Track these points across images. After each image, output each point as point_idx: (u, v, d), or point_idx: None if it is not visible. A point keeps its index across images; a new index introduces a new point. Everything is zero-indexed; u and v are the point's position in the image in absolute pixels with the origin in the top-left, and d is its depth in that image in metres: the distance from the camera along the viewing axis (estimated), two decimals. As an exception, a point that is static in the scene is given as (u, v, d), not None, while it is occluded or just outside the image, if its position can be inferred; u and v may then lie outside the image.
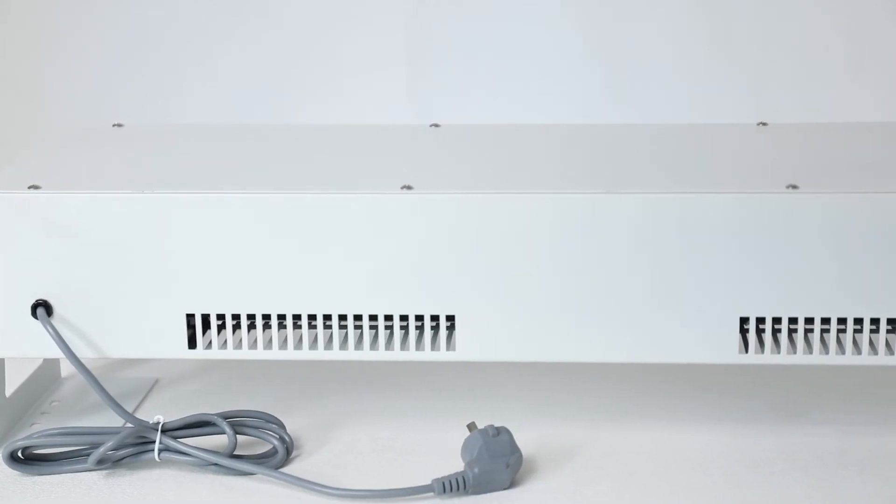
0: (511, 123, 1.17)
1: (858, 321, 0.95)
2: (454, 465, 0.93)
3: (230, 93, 1.74)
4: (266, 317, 0.98)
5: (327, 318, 0.98)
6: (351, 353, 0.99)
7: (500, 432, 0.93)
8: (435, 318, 0.98)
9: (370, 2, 1.73)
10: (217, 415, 0.97)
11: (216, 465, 0.95)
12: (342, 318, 0.98)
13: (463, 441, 0.94)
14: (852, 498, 0.91)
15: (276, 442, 0.97)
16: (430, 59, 1.74)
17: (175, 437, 0.96)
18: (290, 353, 0.99)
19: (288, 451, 0.97)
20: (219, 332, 0.99)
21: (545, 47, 1.72)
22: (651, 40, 1.70)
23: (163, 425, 0.96)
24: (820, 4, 1.68)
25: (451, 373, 1.11)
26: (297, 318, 0.98)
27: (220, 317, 0.99)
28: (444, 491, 0.91)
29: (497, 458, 0.92)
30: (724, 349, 0.96)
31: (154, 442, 0.96)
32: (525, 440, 0.95)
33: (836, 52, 1.69)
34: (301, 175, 1.02)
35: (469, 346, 0.97)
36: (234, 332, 0.99)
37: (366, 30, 1.73)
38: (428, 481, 0.92)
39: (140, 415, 1.03)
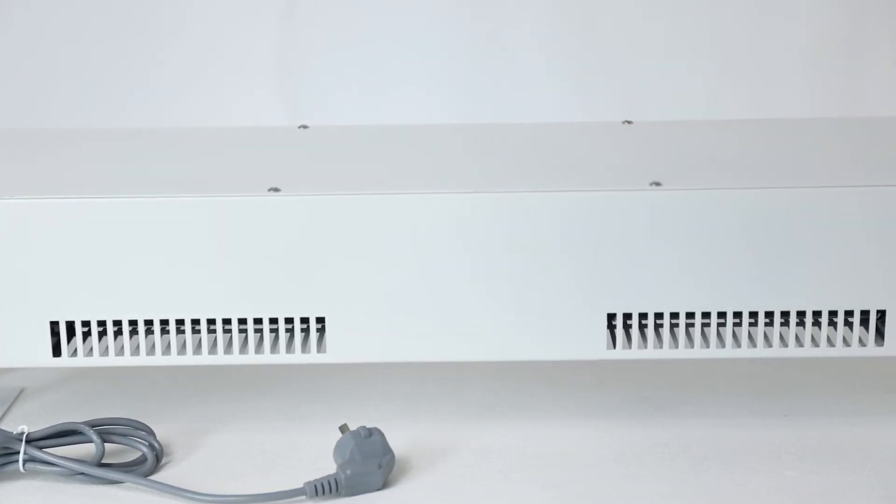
0: (379, 124, 1.17)
1: (722, 315, 0.97)
2: (327, 467, 0.93)
3: (95, 95, 1.71)
4: (133, 323, 0.97)
5: (196, 322, 0.97)
6: (221, 358, 0.98)
7: (372, 433, 0.93)
8: (305, 320, 0.98)
9: (240, 2, 1.72)
10: (84, 423, 0.96)
11: (83, 474, 0.94)
12: (211, 322, 0.97)
13: (335, 443, 0.93)
14: (719, 489, 0.93)
15: (145, 449, 0.95)
16: (300, 59, 1.73)
17: (40, 447, 0.94)
18: (159, 359, 0.98)
19: (158, 458, 0.96)
20: (84, 339, 0.97)
21: (413, 48, 1.72)
22: (518, 40, 1.72)
23: (27, 435, 0.94)
24: (685, 3, 1.71)
25: (323, 375, 1.11)
26: (164, 323, 0.97)
27: (86, 324, 0.97)
28: (317, 494, 0.91)
29: (369, 460, 0.92)
30: (593, 345, 0.97)
31: (18, 453, 0.94)
32: (397, 441, 0.95)
33: (703, 51, 1.72)
34: (166, 178, 1.00)
35: (340, 347, 0.97)
36: (100, 338, 0.97)
37: (235, 30, 1.72)
38: (300, 485, 0.91)
39: (5, 425, 1.01)
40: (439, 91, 1.71)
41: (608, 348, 0.97)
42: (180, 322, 0.97)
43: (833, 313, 0.97)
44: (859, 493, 0.92)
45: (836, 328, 0.97)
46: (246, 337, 0.98)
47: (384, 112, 1.69)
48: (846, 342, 0.97)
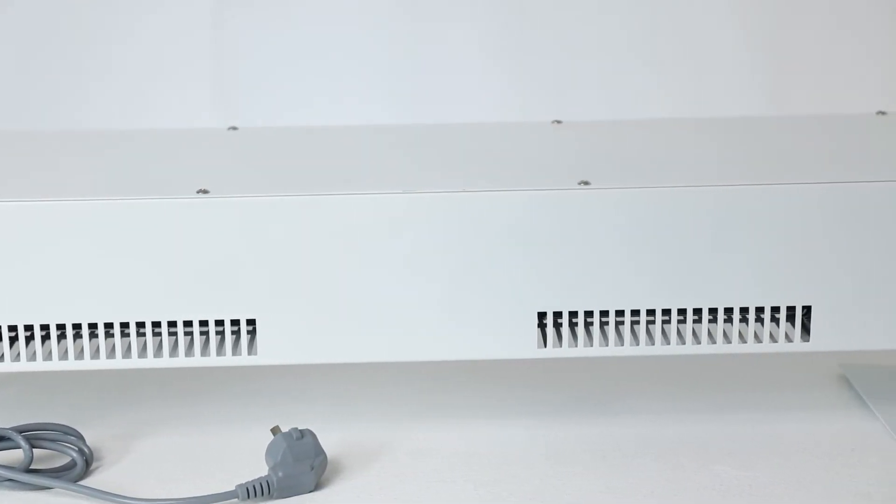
0: (309, 125, 1.17)
1: (651, 312, 0.98)
2: (259, 469, 0.93)
3: (20, 97, 1.69)
4: (61, 327, 0.96)
5: (125, 326, 0.96)
6: (151, 361, 0.97)
7: (304, 435, 0.93)
8: (235, 322, 0.97)
9: (170, 3, 1.71)
10: (11, 429, 0.95)
11: (11, 480, 0.93)
12: (140, 325, 0.97)
13: (267, 445, 0.93)
14: (650, 485, 0.94)
15: (74, 454, 0.94)
16: (231, 60, 1.72)
17: (-33, 454, 0.93)
18: (88, 363, 0.97)
19: (87, 463, 0.95)
20: (11, 344, 0.96)
21: (345, 48, 1.72)
22: (451, 40, 1.72)
23: (-46, 442, 0.93)
24: (615, 3, 1.72)
25: (254, 377, 1.11)
26: (93, 327, 0.96)
27: (12, 328, 0.96)
28: (249, 496, 0.91)
29: (301, 461, 0.92)
30: (524, 344, 0.97)
31: (-55, 460, 0.93)
32: (329, 442, 0.95)
33: (634, 50, 1.73)
34: (94, 181, 1.00)
35: (271, 349, 0.97)
36: (27, 343, 0.96)
37: (165, 32, 1.71)
38: (232, 487, 0.91)
39: (-70, 432, 1.00)
40: (370, 92, 1.71)
41: (539, 347, 0.98)
42: (109, 326, 0.96)
43: (760, 310, 0.98)
44: (787, 487, 0.93)
45: (763, 324, 0.98)
46: (176, 340, 0.97)
47: (315, 113, 1.69)
48: (773, 338, 0.98)
